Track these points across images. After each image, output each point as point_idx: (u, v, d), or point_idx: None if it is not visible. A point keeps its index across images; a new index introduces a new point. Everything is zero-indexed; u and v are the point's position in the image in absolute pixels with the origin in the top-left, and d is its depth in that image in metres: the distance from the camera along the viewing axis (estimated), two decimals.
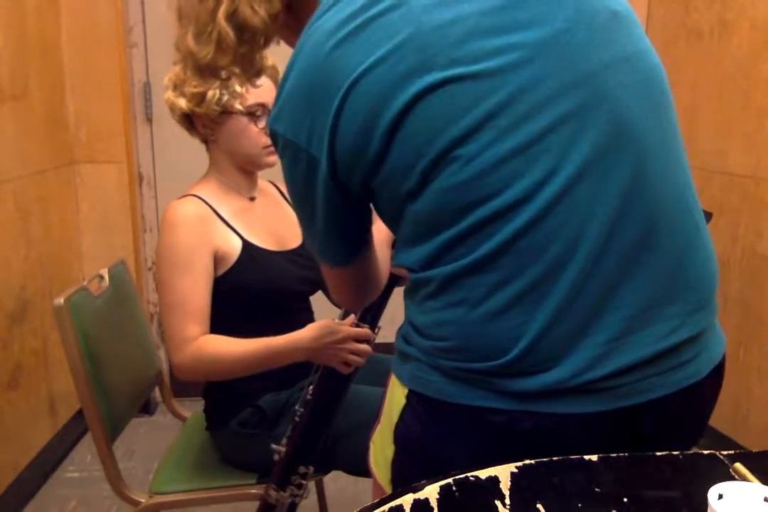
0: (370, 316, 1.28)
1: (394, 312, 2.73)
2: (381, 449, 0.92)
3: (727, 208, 2.23)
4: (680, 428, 0.87)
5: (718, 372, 0.86)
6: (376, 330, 1.30)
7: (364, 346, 1.28)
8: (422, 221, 0.79)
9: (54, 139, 2.33)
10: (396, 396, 0.88)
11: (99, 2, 2.36)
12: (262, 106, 1.37)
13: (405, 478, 0.87)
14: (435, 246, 0.78)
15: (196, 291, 1.32)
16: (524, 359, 0.77)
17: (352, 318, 1.28)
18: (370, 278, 1.02)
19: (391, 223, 0.85)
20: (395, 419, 0.88)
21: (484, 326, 0.78)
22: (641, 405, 0.79)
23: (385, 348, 1.50)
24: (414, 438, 0.86)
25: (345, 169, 0.78)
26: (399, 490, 0.76)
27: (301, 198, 0.86)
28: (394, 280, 1.26)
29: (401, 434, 0.87)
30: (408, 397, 0.86)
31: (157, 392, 2.04)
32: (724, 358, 0.87)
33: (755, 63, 2.07)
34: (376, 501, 0.74)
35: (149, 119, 2.59)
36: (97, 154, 2.47)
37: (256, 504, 1.36)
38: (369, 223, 0.91)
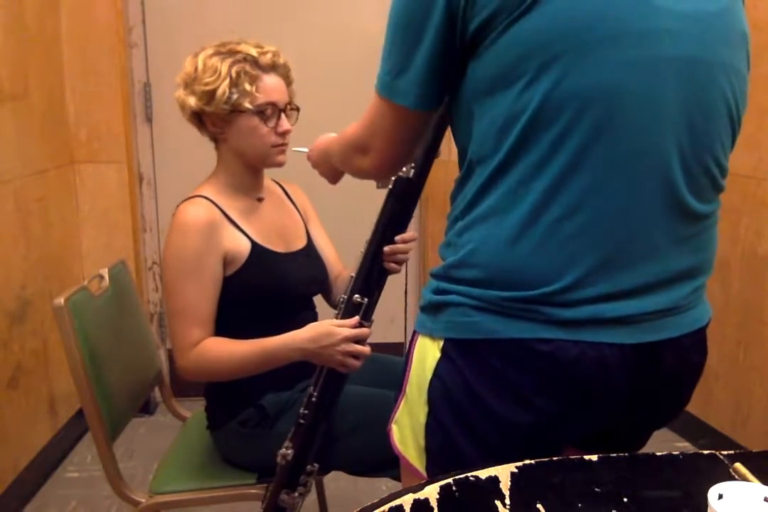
0: (370, 312, 1.27)
1: (395, 312, 2.73)
2: (409, 422, 0.93)
3: (727, 208, 2.22)
4: (690, 369, 0.94)
5: (704, 334, 0.94)
6: (369, 324, 1.28)
7: (363, 348, 1.26)
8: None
9: (54, 139, 2.33)
10: (428, 354, 0.90)
11: (99, 2, 2.36)
12: (273, 104, 1.36)
13: (442, 437, 0.90)
14: (506, 149, 0.81)
15: (202, 298, 1.32)
16: (574, 287, 0.81)
17: (356, 319, 1.26)
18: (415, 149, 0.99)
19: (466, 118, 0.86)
20: (428, 377, 0.89)
21: (547, 251, 0.81)
22: (664, 342, 0.86)
23: (385, 348, 1.50)
24: (450, 389, 0.88)
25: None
26: (398, 492, 0.76)
27: (410, 22, 0.84)
28: (385, 273, 1.26)
29: (436, 389, 0.89)
30: (443, 349, 0.88)
31: (157, 392, 2.04)
32: (708, 322, 0.95)
33: (756, 63, 2.06)
34: (375, 501, 0.73)
35: (149, 119, 2.59)
36: (97, 154, 2.47)
37: (256, 504, 1.36)
38: (455, 75, 0.88)
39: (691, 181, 0.84)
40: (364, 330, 1.26)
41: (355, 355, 1.26)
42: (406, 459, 0.94)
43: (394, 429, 0.97)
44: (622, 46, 0.77)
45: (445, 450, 0.90)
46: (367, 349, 1.27)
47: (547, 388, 0.84)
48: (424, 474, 0.92)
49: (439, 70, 0.85)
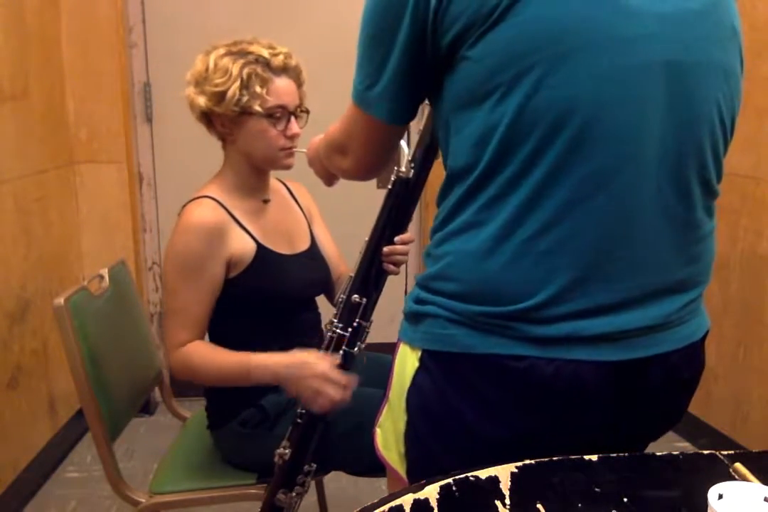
0: (369, 312, 1.27)
1: (394, 312, 2.72)
2: (391, 427, 0.93)
3: (727, 208, 2.23)
4: (681, 387, 0.91)
5: (698, 348, 0.91)
6: (368, 324, 1.28)
7: (336, 393, 1.20)
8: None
9: (54, 139, 2.33)
10: (407, 362, 0.89)
11: (99, 2, 2.36)
12: (282, 107, 1.35)
13: (420, 446, 0.89)
14: (483, 167, 0.79)
15: (196, 301, 1.33)
16: (550, 304, 0.79)
17: (335, 360, 1.21)
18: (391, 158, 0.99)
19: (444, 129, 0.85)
20: (407, 385, 0.89)
21: (521, 267, 0.79)
22: (650, 359, 0.83)
23: (385, 348, 1.50)
24: (427, 399, 0.87)
25: (455, 13, 0.75)
26: (398, 492, 0.76)
27: (378, 36, 0.83)
28: (383, 274, 1.26)
29: (414, 398, 0.88)
30: (421, 359, 0.87)
31: (157, 392, 2.04)
32: (706, 334, 0.92)
33: (755, 63, 2.07)
34: (375, 501, 0.74)
35: (149, 119, 2.59)
36: (97, 154, 2.47)
37: (256, 504, 1.36)
38: (430, 90, 0.87)
39: (681, 189, 0.81)
40: (343, 377, 1.21)
41: (328, 397, 1.20)
42: (388, 463, 0.94)
43: (378, 433, 0.97)
44: (599, 55, 0.74)
45: (423, 458, 0.90)
46: (340, 396, 1.21)
47: (522, 405, 0.82)
48: (406, 479, 0.92)
49: (409, 86, 0.84)
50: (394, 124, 0.89)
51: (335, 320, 1.26)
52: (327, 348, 1.25)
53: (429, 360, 0.86)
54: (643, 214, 0.79)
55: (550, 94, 0.75)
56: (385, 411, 0.96)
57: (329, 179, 1.26)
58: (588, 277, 0.79)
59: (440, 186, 0.89)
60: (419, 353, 0.87)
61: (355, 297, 1.23)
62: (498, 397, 0.83)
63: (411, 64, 0.82)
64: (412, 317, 0.89)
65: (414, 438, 0.90)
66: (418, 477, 0.83)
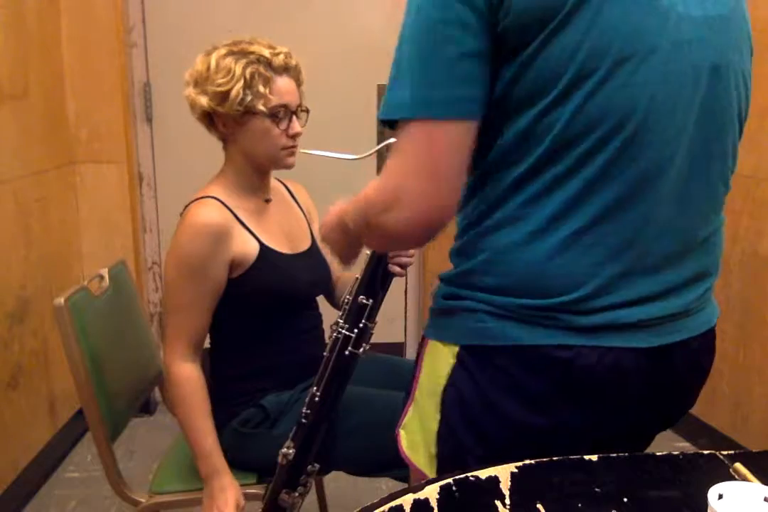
0: (375, 313, 1.26)
1: (395, 312, 2.72)
2: (418, 428, 0.92)
3: (727, 208, 2.22)
4: (699, 371, 0.94)
5: (713, 335, 0.94)
6: (373, 325, 1.28)
7: None
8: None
9: (54, 139, 2.33)
10: (440, 360, 0.88)
11: (99, 2, 2.36)
12: (285, 106, 1.35)
13: (455, 445, 0.89)
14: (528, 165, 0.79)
15: (199, 303, 1.33)
16: (595, 296, 0.81)
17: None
18: (458, 174, 0.81)
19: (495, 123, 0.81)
20: (442, 383, 0.88)
21: (566, 260, 0.80)
22: (675, 345, 0.86)
23: (385, 348, 1.50)
24: (467, 397, 0.86)
25: (518, 9, 0.74)
26: (398, 492, 0.76)
27: (434, 31, 0.76)
28: (389, 275, 1.26)
29: (451, 397, 0.88)
30: (458, 355, 0.86)
31: (157, 392, 2.04)
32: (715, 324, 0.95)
33: (756, 63, 2.06)
34: (375, 501, 0.73)
35: (149, 119, 2.59)
36: (97, 154, 2.47)
37: (256, 504, 1.36)
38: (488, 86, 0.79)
39: (707, 187, 0.85)
40: None
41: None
42: (414, 464, 0.93)
43: (402, 435, 0.95)
44: (655, 60, 0.76)
45: (459, 458, 0.89)
46: None
47: (566, 394, 0.83)
48: None
49: (476, 73, 0.77)
50: (466, 117, 0.78)
51: (341, 321, 1.26)
52: (332, 349, 1.25)
53: (467, 356, 0.86)
54: (676, 209, 0.82)
55: (610, 97, 0.76)
56: (410, 412, 0.95)
57: (349, 257, 1.12)
58: (630, 270, 0.81)
59: (467, 185, 0.86)
60: (455, 349, 0.87)
61: (362, 298, 1.23)
62: (541, 388, 0.83)
63: (478, 58, 0.76)
64: (444, 313, 0.89)
65: (449, 437, 0.89)
66: None
